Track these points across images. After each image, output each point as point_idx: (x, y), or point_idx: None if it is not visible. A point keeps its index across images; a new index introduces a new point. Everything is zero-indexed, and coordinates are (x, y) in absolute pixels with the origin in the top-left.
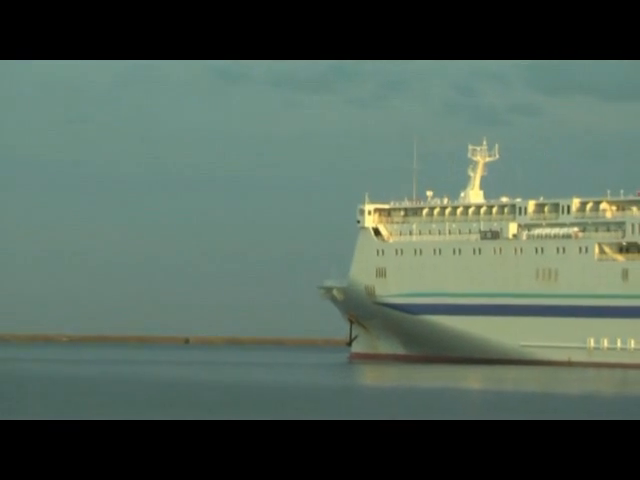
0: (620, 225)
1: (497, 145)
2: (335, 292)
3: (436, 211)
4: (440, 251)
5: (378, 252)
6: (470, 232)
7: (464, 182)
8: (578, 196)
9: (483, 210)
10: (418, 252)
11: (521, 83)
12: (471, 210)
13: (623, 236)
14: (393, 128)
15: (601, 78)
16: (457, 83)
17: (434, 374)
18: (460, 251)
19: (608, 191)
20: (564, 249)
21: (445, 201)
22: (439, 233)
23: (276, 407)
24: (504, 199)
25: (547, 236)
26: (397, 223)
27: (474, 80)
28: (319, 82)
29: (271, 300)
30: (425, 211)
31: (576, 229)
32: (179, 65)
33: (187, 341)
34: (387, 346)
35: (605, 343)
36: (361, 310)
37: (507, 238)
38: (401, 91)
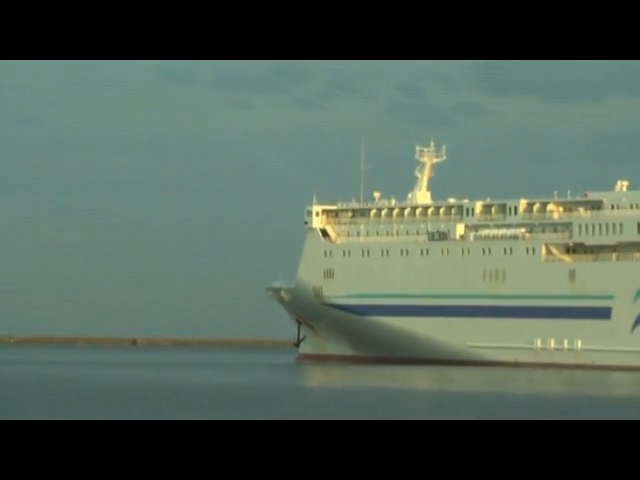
0: (567, 226)
1: (444, 146)
2: (283, 293)
3: (384, 212)
4: (388, 252)
5: (326, 253)
6: (418, 233)
7: (411, 183)
8: (525, 197)
9: (430, 211)
10: (366, 253)
11: (465, 83)
12: (418, 211)
13: (570, 237)
14: (340, 129)
15: (545, 78)
16: (402, 83)
17: (382, 375)
18: (408, 252)
19: (555, 192)
20: (511, 250)
21: (393, 202)
22: (387, 234)
23: (222, 408)
24: (451, 200)
25: (494, 237)
26: (345, 224)
27: (419, 80)
28: (265, 82)
29: (219, 301)
30: (373, 212)
31: (523, 230)
32: (126, 65)
33: (134, 342)
34: (335, 347)
35: (552, 344)
36: (309, 311)
37: (454, 239)
38: (347, 91)
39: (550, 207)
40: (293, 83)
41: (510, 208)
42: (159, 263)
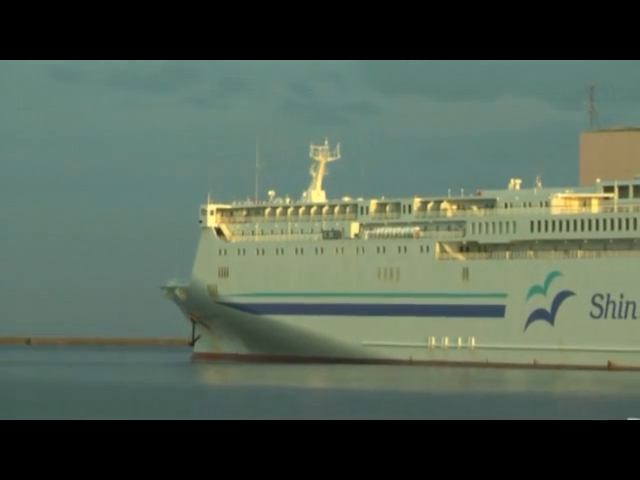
0: (460, 224)
1: (339, 145)
2: (178, 292)
3: (278, 211)
4: (282, 251)
5: (220, 252)
6: (312, 232)
7: (306, 182)
8: (419, 195)
9: (325, 210)
10: (260, 252)
11: (357, 82)
12: (313, 210)
13: (463, 235)
14: (234, 128)
15: (437, 77)
16: (295, 82)
17: (277, 374)
18: (302, 251)
19: (449, 190)
20: (405, 248)
21: (287, 201)
22: (281, 233)
23: (117, 407)
24: (346, 199)
25: (389, 235)
26: (239, 223)
27: (311, 79)
28: (157, 81)
29: (114, 300)
30: (267, 211)
31: (417, 228)
32: (16, 65)
33: (28, 341)
34: (230, 346)
35: (446, 342)
36: (204, 310)
37: (349, 238)
38: (239, 90)
39: (444, 205)
40: (184, 82)
41: (404, 207)
42: (54, 261)
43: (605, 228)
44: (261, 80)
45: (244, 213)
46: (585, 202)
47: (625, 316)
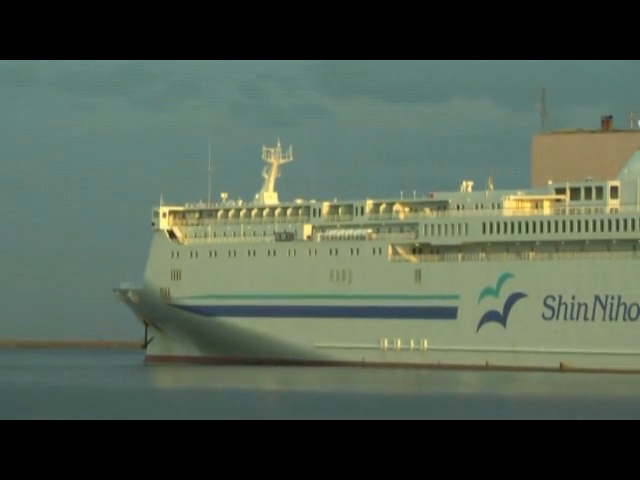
0: (413, 226)
1: (291, 147)
2: (130, 294)
3: (231, 213)
4: (235, 253)
5: (173, 254)
6: (265, 234)
7: (258, 184)
8: (371, 198)
9: (277, 212)
10: (213, 254)
11: (309, 84)
12: (265, 212)
13: (416, 237)
14: (185, 130)
15: (388, 79)
16: (244, 84)
17: (229, 375)
18: (255, 253)
19: (401, 192)
20: (358, 250)
21: (240, 203)
22: (234, 235)
23: (69, 408)
24: (298, 201)
25: (341, 237)
26: (192, 225)
27: (262, 81)
28: (108, 83)
29: (66, 303)
30: (220, 213)
31: (370, 230)
32: None
33: None
34: (182, 348)
35: (398, 344)
36: (156, 312)
37: (301, 240)
38: (191, 92)
39: (396, 207)
40: (136, 85)
41: (357, 209)
42: (4, 263)
43: (557, 230)
44: (212, 82)
45: (197, 215)
46: (537, 204)
47: (577, 318)
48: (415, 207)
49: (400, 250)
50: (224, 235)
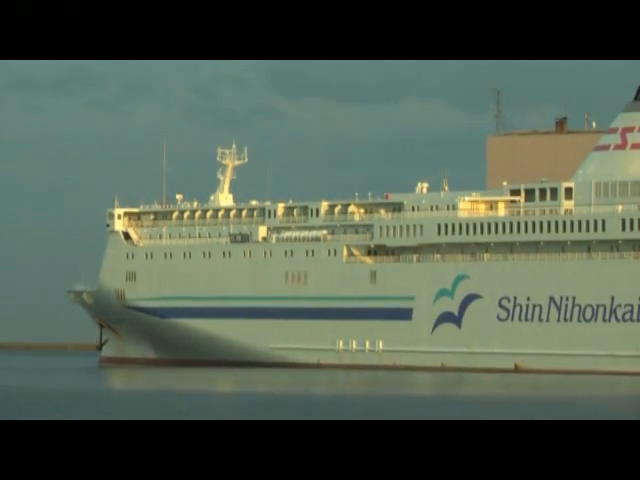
0: (368, 228)
1: (246, 148)
2: (85, 296)
3: (186, 215)
4: (190, 254)
5: (128, 256)
6: (220, 235)
7: (214, 185)
8: (326, 199)
9: (233, 213)
10: (168, 256)
11: (262, 86)
12: (221, 213)
13: (371, 238)
14: (140, 131)
15: (340, 81)
16: (197, 85)
17: (184, 377)
18: (210, 254)
19: (356, 194)
20: (313, 252)
21: (195, 204)
22: (189, 236)
23: (20, 409)
24: (253, 202)
25: (296, 239)
26: (147, 227)
27: (215, 83)
28: (60, 85)
29: (20, 304)
30: (175, 215)
31: (325, 232)
32: None
33: None
34: (137, 350)
35: (354, 345)
36: (111, 314)
37: (257, 241)
38: (143, 93)
39: (351, 209)
40: (88, 87)
41: (312, 210)
42: None
43: (512, 231)
44: (164, 84)
45: (152, 217)
46: (492, 205)
47: (532, 319)
48: (370, 208)
49: (355, 251)
50: (179, 237)
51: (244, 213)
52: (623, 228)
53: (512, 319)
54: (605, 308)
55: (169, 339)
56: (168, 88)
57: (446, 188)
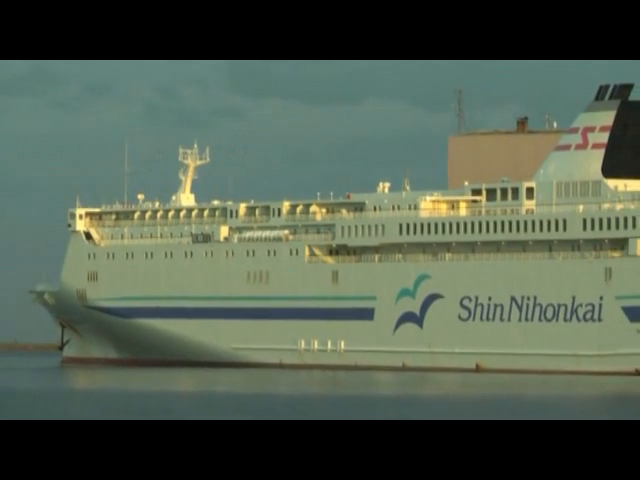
0: (330, 227)
1: (208, 148)
2: (46, 296)
3: (147, 215)
4: (151, 254)
5: (89, 256)
6: (182, 235)
7: (175, 185)
8: (288, 199)
9: (194, 213)
10: (130, 256)
11: (223, 86)
12: (182, 213)
13: (333, 238)
14: (101, 131)
15: (302, 80)
16: (158, 85)
17: (146, 377)
18: (171, 254)
19: (318, 194)
20: (275, 252)
21: (156, 204)
22: (151, 236)
23: None
24: (215, 202)
25: (258, 239)
26: (108, 227)
27: (176, 83)
28: (22, 84)
29: None
30: (137, 215)
31: (286, 232)
32: None
33: None
34: (99, 350)
35: (315, 345)
36: (73, 314)
37: (218, 241)
38: (104, 93)
39: (313, 209)
40: (49, 86)
41: (274, 210)
42: None
43: (473, 231)
44: (126, 84)
45: (113, 217)
46: (453, 205)
47: (493, 318)
48: (332, 208)
49: (317, 251)
50: (141, 236)
51: (206, 213)
52: (584, 228)
53: (474, 319)
54: (566, 308)
55: (131, 339)
56: (129, 88)
57: (408, 188)
